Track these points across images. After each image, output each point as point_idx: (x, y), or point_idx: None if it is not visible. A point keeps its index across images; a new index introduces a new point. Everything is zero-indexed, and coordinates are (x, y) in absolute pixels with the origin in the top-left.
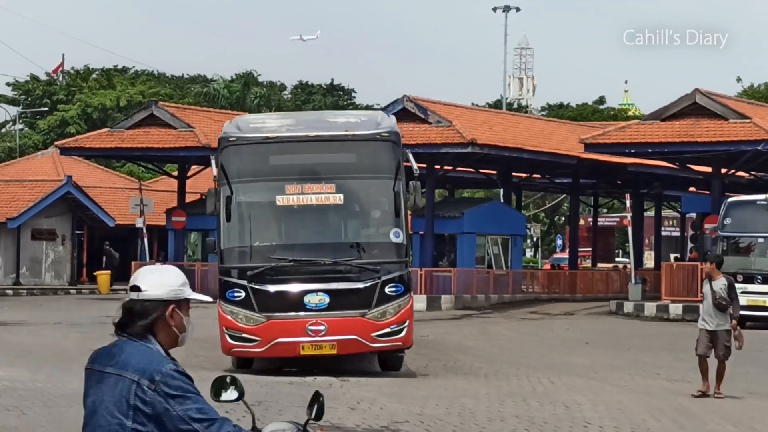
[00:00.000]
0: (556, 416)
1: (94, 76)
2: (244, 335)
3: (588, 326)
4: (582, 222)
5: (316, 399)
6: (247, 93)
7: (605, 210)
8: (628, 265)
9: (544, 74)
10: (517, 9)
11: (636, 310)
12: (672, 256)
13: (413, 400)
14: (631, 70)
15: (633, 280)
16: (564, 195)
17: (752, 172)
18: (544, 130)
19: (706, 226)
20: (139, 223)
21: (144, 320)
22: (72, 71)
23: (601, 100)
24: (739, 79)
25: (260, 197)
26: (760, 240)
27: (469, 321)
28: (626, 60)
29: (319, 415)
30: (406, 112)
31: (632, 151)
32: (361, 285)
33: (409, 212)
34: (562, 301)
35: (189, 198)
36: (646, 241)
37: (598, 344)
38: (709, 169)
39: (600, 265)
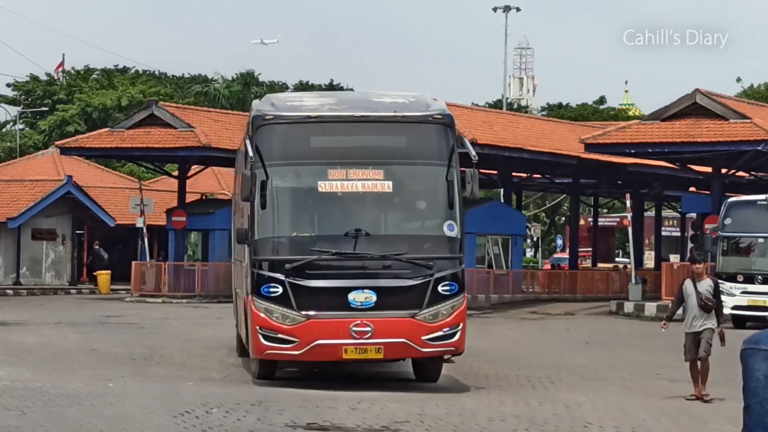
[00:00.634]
0: (556, 416)
1: (94, 76)
2: (280, 336)
3: (588, 326)
4: (582, 222)
5: None
6: (247, 93)
7: (605, 210)
8: (629, 265)
9: (544, 74)
10: (518, 9)
11: (636, 310)
12: (671, 257)
13: (413, 400)
14: (631, 70)
15: (633, 280)
16: (564, 195)
17: (752, 172)
18: (544, 130)
19: (707, 226)
20: (139, 223)
21: None
22: (72, 71)
23: (602, 100)
24: (739, 79)
25: (300, 182)
26: (761, 240)
27: (469, 321)
28: (626, 60)
29: None
30: None
31: (632, 151)
32: (411, 282)
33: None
34: (562, 301)
35: (189, 198)
36: (647, 241)
37: (598, 344)
38: (709, 169)
39: (600, 265)
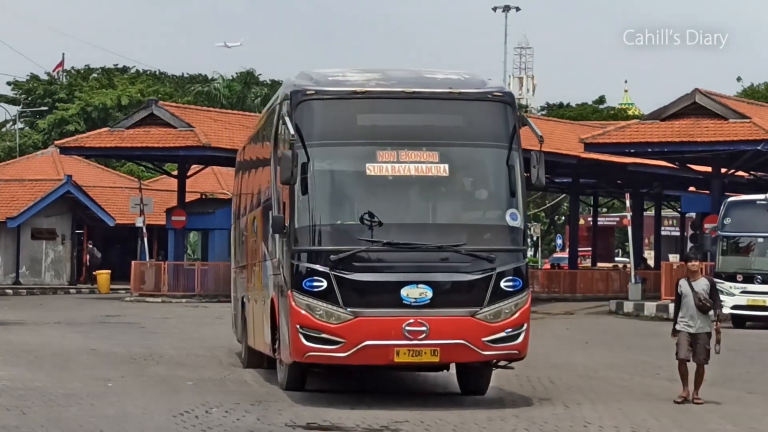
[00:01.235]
0: (555, 416)
1: (94, 75)
2: (323, 335)
3: (588, 326)
4: (582, 222)
5: None
6: (247, 92)
7: (605, 210)
8: (628, 265)
9: (544, 74)
10: (517, 9)
11: (636, 310)
12: (671, 257)
13: (413, 399)
14: (631, 70)
15: (633, 280)
16: (564, 194)
17: (752, 172)
18: (544, 129)
19: (706, 225)
20: (139, 223)
21: None
22: (72, 71)
23: (601, 100)
24: (739, 79)
25: (345, 165)
26: (760, 240)
27: None
28: (626, 60)
29: None
30: None
31: (632, 150)
32: (471, 277)
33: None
34: (561, 300)
35: (189, 197)
36: (646, 240)
37: (598, 344)
38: (708, 169)
39: (600, 264)
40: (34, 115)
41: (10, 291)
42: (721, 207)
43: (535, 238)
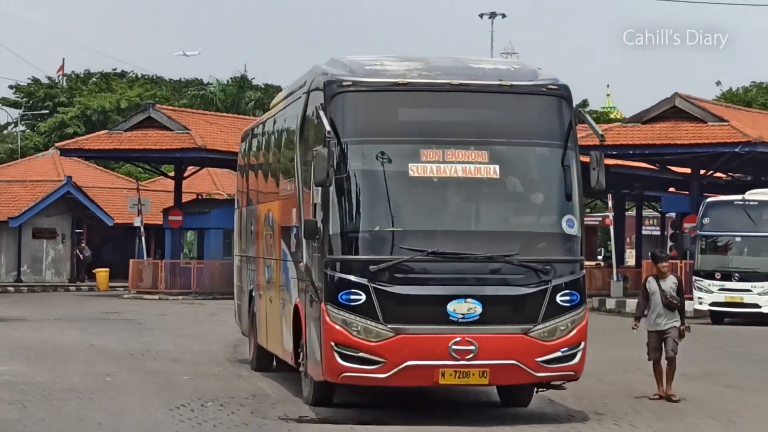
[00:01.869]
0: (541, 408)
1: (93, 79)
2: (361, 354)
3: None
4: None
5: None
6: (241, 96)
7: (588, 210)
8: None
9: None
10: (503, 15)
11: (618, 307)
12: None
13: (404, 393)
14: (614, 75)
15: (615, 278)
16: None
17: (730, 174)
18: None
19: (686, 225)
20: (136, 222)
21: None
22: (72, 75)
23: (584, 104)
24: (718, 83)
25: (386, 165)
26: (738, 239)
27: None
28: (608, 66)
29: None
30: None
31: (614, 152)
32: (524, 291)
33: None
34: None
35: (185, 198)
36: (628, 240)
37: None
38: (688, 171)
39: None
40: (35, 118)
41: (11, 288)
42: (700, 207)
43: None
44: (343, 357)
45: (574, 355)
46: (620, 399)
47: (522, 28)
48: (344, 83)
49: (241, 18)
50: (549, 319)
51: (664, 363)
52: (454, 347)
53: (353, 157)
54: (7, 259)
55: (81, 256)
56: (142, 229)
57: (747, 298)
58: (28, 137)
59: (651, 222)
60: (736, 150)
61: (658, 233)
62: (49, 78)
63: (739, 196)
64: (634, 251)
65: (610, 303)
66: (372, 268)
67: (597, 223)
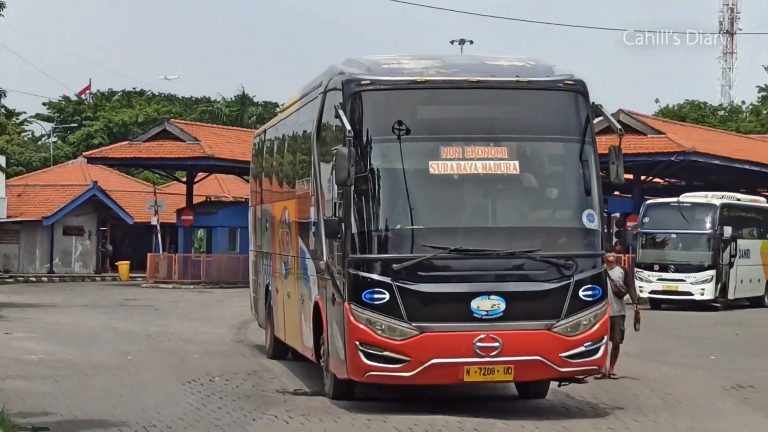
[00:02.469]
0: (495, 388)
1: (116, 97)
2: (386, 353)
3: None
4: None
5: None
6: (243, 111)
7: None
8: None
9: None
10: (471, 42)
11: None
12: None
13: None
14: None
15: None
16: None
17: (667, 179)
18: None
19: (628, 224)
20: (153, 221)
21: None
22: (98, 93)
23: None
24: (657, 100)
25: (406, 163)
26: (673, 236)
27: None
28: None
29: None
30: None
31: None
32: (547, 286)
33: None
34: None
35: (196, 200)
36: None
37: None
38: (630, 177)
39: None
40: (65, 130)
41: (45, 279)
42: (641, 208)
43: None
44: (368, 356)
45: (597, 350)
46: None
47: (489, 52)
48: (363, 82)
49: (242, 43)
50: (572, 314)
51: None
52: (478, 344)
53: (373, 156)
54: (41, 253)
55: (103, 250)
56: (158, 227)
57: (681, 287)
58: (59, 147)
59: None
60: (672, 159)
61: (605, 231)
62: (77, 96)
63: (675, 199)
64: None
65: None
66: (395, 266)
67: None
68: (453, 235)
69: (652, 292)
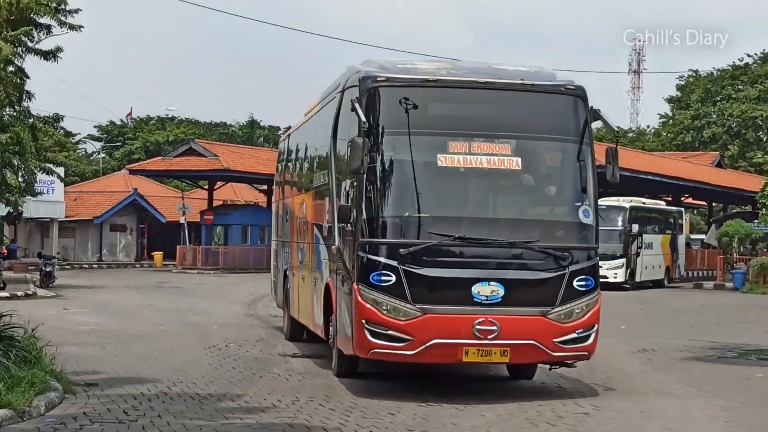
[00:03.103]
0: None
1: (152, 121)
2: (390, 332)
3: None
4: None
5: None
6: (253, 133)
7: None
8: None
9: None
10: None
11: None
12: None
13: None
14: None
15: None
16: None
17: None
18: None
19: None
20: (181, 220)
21: None
22: (137, 118)
23: None
24: None
25: (416, 155)
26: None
27: None
28: None
29: None
30: None
31: None
32: (544, 275)
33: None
34: None
35: (215, 203)
36: None
37: None
38: None
39: None
40: (111, 148)
41: (95, 266)
42: None
43: None
44: (373, 334)
45: (588, 337)
46: None
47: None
48: (378, 78)
49: (251, 77)
50: (566, 302)
51: None
52: (477, 327)
53: (386, 147)
54: (92, 245)
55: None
56: (185, 225)
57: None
58: (107, 162)
59: None
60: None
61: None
62: (121, 120)
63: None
64: None
65: None
66: (402, 251)
67: None
68: (457, 224)
69: None
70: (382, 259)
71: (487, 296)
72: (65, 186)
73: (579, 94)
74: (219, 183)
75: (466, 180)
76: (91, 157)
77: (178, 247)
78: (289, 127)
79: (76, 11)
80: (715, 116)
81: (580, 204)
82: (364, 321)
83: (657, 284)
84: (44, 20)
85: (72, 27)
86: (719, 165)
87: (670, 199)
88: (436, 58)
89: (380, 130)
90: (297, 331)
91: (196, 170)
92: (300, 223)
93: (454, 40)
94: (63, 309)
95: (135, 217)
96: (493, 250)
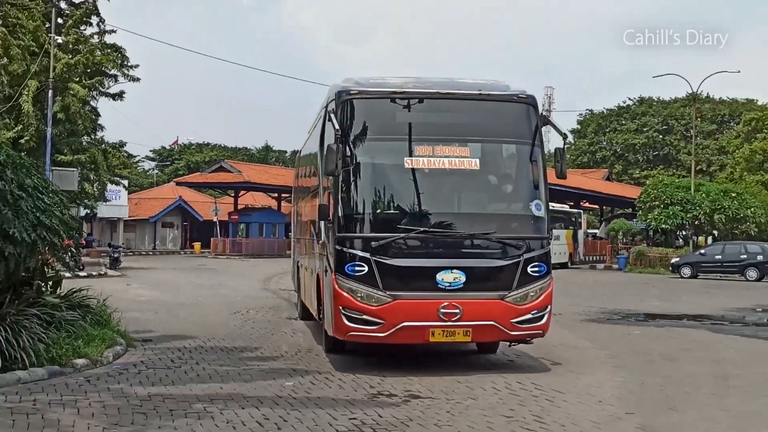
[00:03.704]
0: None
1: (193, 146)
2: (364, 316)
3: None
4: None
5: None
6: (267, 156)
7: None
8: None
9: None
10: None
11: None
12: None
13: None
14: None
15: None
16: None
17: None
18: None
19: None
20: (214, 219)
21: None
22: (182, 144)
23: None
24: None
25: (385, 158)
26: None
27: None
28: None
29: None
30: None
31: None
32: (501, 263)
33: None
34: None
35: (239, 206)
36: None
37: None
38: None
39: None
40: (162, 166)
41: (150, 253)
42: None
43: None
44: (349, 319)
45: (542, 317)
46: None
47: None
48: (351, 92)
49: (266, 107)
50: (521, 286)
51: None
52: (442, 310)
53: (358, 152)
54: (148, 237)
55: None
56: (217, 222)
57: None
58: (159, 176)
59: None
60: None
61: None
62: (170, 146)
63: None
64: None
65: None
66: (373, 244)
67: None
68: (422, 219)
69: None
70: (356, 252)
71: (450, 283)
72: (128, 194)
73: (530, 102)
74: (242, 192)
75: (431, 180)
76: (147, 173)
77: (211, 239)
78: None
79: (135, 66)
80: (605, 143)
81: (532, 199)
82: (341, 307)
83: (562, 266)
84: (112, 72)
85: (132, 78)
86: (608, 179)
87: (572, 203)
88: (405, 76)
89: (354, 137)
90: (306, 312)
91: (225, 182)
92: (303, 223)
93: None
94: (126, 285)
95: (180, 217)
96: (455, 242)
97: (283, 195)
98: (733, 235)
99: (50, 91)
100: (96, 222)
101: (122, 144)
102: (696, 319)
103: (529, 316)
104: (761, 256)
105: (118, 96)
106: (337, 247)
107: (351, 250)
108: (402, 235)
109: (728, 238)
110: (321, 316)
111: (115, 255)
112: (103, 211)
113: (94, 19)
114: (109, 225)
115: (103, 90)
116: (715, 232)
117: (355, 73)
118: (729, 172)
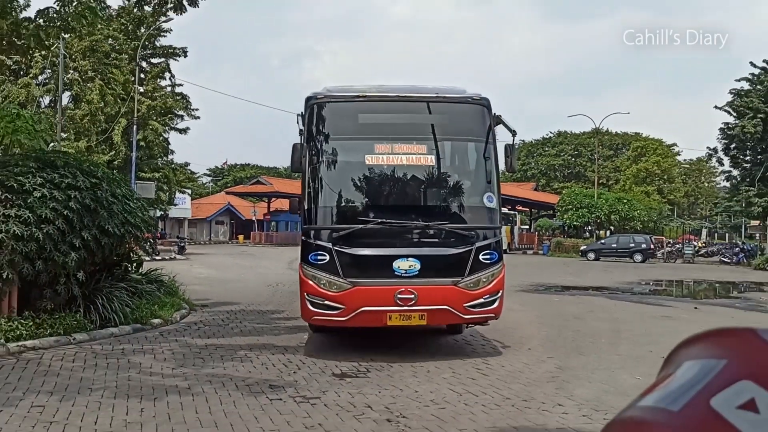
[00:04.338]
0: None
1: (237, 167)
2: (326, 302)
3: None
4: None
5: None
6: (291, 173)
7: None
8: None
9: None
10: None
11: None
12: None
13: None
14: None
15: None
16: None
17: None
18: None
19: None
20: (253, 218)
21: None
22: (230, 165)
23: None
24: None
25: (348, 156)
26: None
27: None
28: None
29: None
30: None
31: None
32: (454, 251)
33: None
34: None
35: (271, 209)
36: None
37: None
38: None
39: None
40: (215, 180)
41: (208, 243)
42: None
43: None
44: (313, 304)
45: (494, 301)
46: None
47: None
48: (318, 97)
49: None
50: (474, 273)
51: None
52: (398, 296)
53: (324, 150)
54: (205, 232)
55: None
56: (255, 221)
57: None
58: (213, 188)
59: None
60: None
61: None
62: (219, 167)
63: None
64: None
65: None
66: (334, 234)
67: None
68: (381, 211)
69: None
70: (319, 242)
71: (405, 270)
72: (191, 200)
73: (484, 103)
74: (273, 199)
75: (389, 175)
76: (205, 185)
77: (251, 233)
78: None
79: (196, 109)
80: (533, 164)
81: (485, 192)
82: (306, 293)
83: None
84: (180, 113)
85: (194, 117)
86: (536, 189)
87: (510, 207)
88: (372, 84)
89: (320, 137)
90: None
91: (261, 192)
92: None
93: None
94: (189, 266)
95: (228, 217)
96: (410, 232)
97: None
98: (625, 230)
99: (135, 127)
100: (168, 220)
101: (186, 164)
102: (598, 290)
103: (481, 300)
104: (644, 245)
105: (184, 131)
106: (303, 237)
107: (314, 241)
108: (360, 226)
109: (621, 232)
110: None
111: (182, 245)
112: (172, 212)
113: (167, 75)
114: (177, 222)
115: (173, 126)
116: (612, 228)
117: None
118: (621, 185)
